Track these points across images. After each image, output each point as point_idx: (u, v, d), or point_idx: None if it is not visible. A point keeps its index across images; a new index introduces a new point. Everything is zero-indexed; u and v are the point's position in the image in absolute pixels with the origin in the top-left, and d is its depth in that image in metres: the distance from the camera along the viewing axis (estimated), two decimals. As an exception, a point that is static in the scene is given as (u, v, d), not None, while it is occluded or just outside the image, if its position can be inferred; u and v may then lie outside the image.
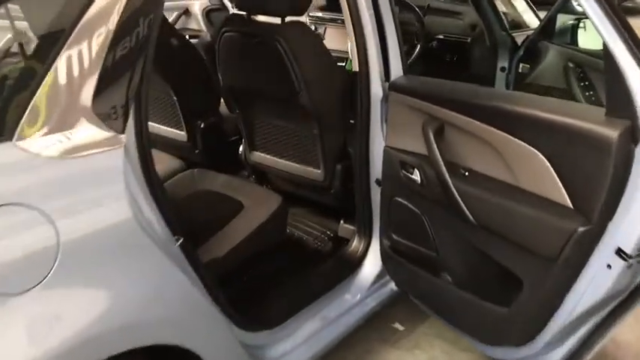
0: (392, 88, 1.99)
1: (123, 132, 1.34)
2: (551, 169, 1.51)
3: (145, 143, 1.42)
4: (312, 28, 3.38)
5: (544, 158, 1.52)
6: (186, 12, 3.90)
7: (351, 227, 2.41)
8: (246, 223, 2.03)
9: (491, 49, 3.07)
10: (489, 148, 1.66)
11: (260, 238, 2.04)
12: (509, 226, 1.62)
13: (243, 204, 2.11)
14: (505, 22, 3.13)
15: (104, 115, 1.31)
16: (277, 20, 2.17)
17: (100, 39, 1.30)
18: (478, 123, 1.67)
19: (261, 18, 2.32)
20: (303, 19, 3.39)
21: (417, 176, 1.89)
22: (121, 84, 1.35)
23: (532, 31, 3.07)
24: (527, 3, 3.35)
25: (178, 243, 1.50)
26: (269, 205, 2.09)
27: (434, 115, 1.81)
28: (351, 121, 2.20)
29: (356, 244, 2.32)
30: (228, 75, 2.38)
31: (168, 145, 3.03)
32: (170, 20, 3.72)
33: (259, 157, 2.58)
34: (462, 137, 1.75)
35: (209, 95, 2.71)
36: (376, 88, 2.04)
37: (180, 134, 2.87)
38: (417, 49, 3.00)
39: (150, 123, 2.91)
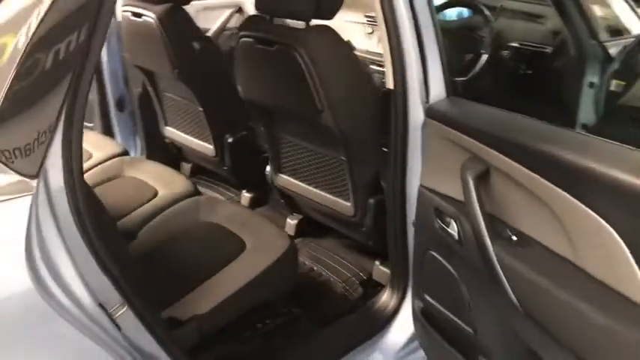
0: (429, 114, 1.57)
1: (36, 176, 1.03)
2: (629, 253, 1.05)
3: (78, 186, 1.11)
4: (370, 30, 2.96)
5: (617, 236, 1.06)
6: (240, 10, 3.60)
7: (389, 271, 2.01)
8: (244, 269, 1.68)
9: (577, 62, 2.53)
10: (546, 210, 1.22)
11: (260, 288, 1.68)
12: (564, 325, 1.16)
13: (247, 244, 1.76)
14: (596, 28, 2.56)
15: (6, 155, 0.99)
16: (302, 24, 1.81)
17: (6, 53, 0.99)
18: (532, 174, 1.23)
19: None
20: (360, 18, 3.01)
21: (454, 230, 1.47)
22: (36, 112, 1.03)
23: (631, 40, 2.50)
24: (627, 2, 2.72)
25: (119, 313, 1.18)
26: (274, 249, 1.72)
27: (478, 154, 1.38)
28: (385, 150, 1.80)
29: (388, 294, 1.93)
30: (246, 86, 2.04)
31: (198, 158, 2.76)
32: (222, 19, 3.45)
33: (285, 180, 2.23)
34: (511, 189, 1.31)
35: (238, 106, 2.38)
36: (416, 112, 1.63)
37: (209, 148, 2.58)
38: (483, 60, 2.53)
39: (178, 133, 2.71)
